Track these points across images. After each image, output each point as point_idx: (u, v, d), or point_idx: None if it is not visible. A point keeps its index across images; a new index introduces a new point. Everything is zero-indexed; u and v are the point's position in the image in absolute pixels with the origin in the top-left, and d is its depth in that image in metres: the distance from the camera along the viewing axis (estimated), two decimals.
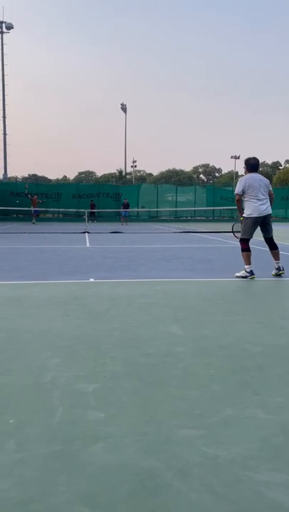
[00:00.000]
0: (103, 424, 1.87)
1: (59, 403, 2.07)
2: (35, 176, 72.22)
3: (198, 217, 34.97)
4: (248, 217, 6.11)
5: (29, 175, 73.62)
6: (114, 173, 70.11)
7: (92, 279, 5.76)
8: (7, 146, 35.74)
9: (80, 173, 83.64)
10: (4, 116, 36.06)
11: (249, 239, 6.16)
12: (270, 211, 6.20)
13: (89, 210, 23.23)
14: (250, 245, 6.13)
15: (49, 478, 1.50)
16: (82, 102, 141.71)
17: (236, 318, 3.78)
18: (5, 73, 35.82)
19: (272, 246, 6.24)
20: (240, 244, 6.18)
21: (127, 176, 59.19)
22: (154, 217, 34.14)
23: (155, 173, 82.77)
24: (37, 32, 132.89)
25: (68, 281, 5.64)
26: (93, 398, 2.13)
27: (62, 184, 41.13)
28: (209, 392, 2.22)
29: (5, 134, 36.04)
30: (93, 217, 28.76)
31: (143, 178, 77.50)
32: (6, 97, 36.10)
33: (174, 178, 71.20)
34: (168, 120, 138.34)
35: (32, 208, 24.86)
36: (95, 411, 1.99)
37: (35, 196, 26.43)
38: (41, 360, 2.66)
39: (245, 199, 6.14)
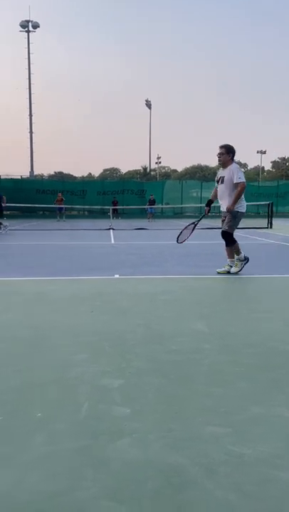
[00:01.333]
0: (128, 419, 1.88)
1: (85, 398, 2.09)
2: (61, 173, 72.97)
3: None
4: (242, 213, 5.97)
5: (55, 172, 74.49)
6: (139, 170, 70.12)
7: (116, 276, 5.79)
8: (33, 144, 36.27)
9: (105, 170, 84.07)
10: (30, 115, 36.63)
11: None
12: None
13: (113, 207, 23.30)
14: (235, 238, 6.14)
15: (76, 473, 1.52)
16: (108, 99, 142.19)
17: (263, 316, 3.72)
18: (31, 72, 36.33)
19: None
20: (227, 238, 6.06)
21: (152, 173, 59.15)
22: (178, 214, 34.01)
23: (180, 169, 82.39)
24: (58, 31, 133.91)
25: (93, 278, 5.68)
26: (118, 394, 2.14)
27: (88, 181, 41.53)
28: (235, 390, 2.20)
29: (31, 132, 36.62)
30: (116, 214, 28.82)
31: (167, 175, 77.26)
32: (32, 95, 36.61)
33: (199, 174, 70.63)
34: (193, 115, 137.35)
35: (56, 205, 25.02)
36: (120, 406, 2.01)
37: (60, 194, 26.61)
38: (67, 356, 2.69)
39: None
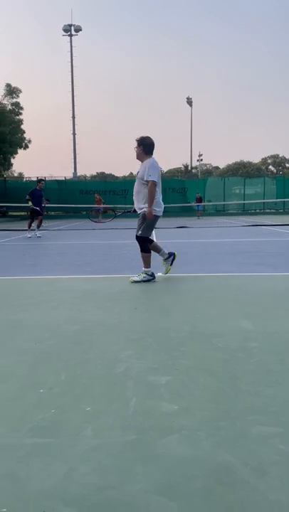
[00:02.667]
0: (176, 416, 1.88)
1: (132, 394, 2.10)
2: (102, 173, 74.03)
3: (267, 210, 33.85)
4: (157, 215, 5.33)
5: (97, 173, 75.67)
6: (180, 168, 69.85)
7: (160, 274, 5.79)
8: (76, 145, 37.00)
9: None
10: (73, 117, 37.41)
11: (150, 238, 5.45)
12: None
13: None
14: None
15: (125, 467, 1.53)
16: (148, 98, 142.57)
17: None
18: (74, 75, 37.09)
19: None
20: (143, 243, 5.49)
21: (193, 170, 58.71)
22: (221, 211, 33.59)
23: (222, 166, 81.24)
24: (98, 31, 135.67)
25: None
26: (166, 390, 2.14)
27: (129, 181, 41.79)
28: (285, 390, 2.13)
29: (74, 134, 37.39)
30: None
31: (209, 172, 76.41)
32: (74, 97, 37.36)
33: (242, 171, 69.32)
34: (235, 112, 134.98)
35: (95, 206, 25.36)
36: (167, 403, 2.00)
37: (96, 194, 26.83)
38: (114, 352, 2.72)
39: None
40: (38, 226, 14.34)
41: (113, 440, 1.69)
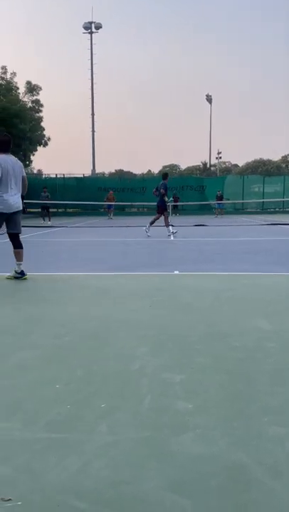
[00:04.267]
0: (191, 414, 1.87)
1: (147, 391, 2.11)
2: (121, 171, 74.15)
3: (287, 209, 33.39)
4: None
5: (116, 170, 75.84)
6: (199, 166, 69.44)
7: (176, 272, 5.78)
8: (95, 142, 37.16)
9: (164, 167, 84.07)
10: (93, 114, 37.56)
11: None
12: (21, 206, 5.36)
13: (172, 204, 23.22)
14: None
15: (139, 463, 1.53)
16: (166, 95, 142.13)
17: None
18: (94, 72, 37.22)
19: (17, 244, 5.42)
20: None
21: (212, 168, 58.31)
22: (239, 210, 33.29)
23: (241, 163, 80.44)
24: (116, 27, 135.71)
25: (153, 273, 5.72)
26: (180, 388, 2.14)
27: (147, 178, 41.76)
28: None
29: (93, 131, 37.55)
30: (176, 209, 28.67)
31: (228, 170, 75.74)
32: (94, 94, 37.49)
33: (261, 169, 68.49)
34: (254, 109, 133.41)
35: (106, 203, 25.27)
36: (182, 401, 2.00)
37: (111, 192, 26.64)
38: (129, 349, 2.73)
39: None
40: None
41: (127, 436, 1.70)
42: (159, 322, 3.36)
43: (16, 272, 5.37)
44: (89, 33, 36.99)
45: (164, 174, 12.86)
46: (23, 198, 5.53)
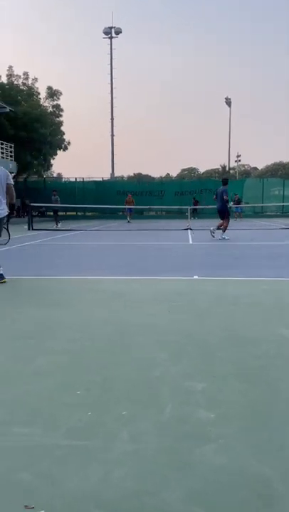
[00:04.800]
0: (213, 424, 1.85)
1: (168, 399, 2.09)
2: (139, 174, 74.33)
3: None
4: None
5: (134, 174, 76.05)
6: (217, 169, 69.09)
7: (196, 276, 5.74)
8: (114, 146, 37.36)
9: (183, 170, 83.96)
10: (112, 118, 37.76)
11: None
12: (6, 213, 5.47)
13: (191, 207, 23.07)
14: None
15: (161, 473, 1.52)
16: (184, 98, 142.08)
17: None
18: (113, 76, 37.47)
19: None
20: None
21: (231, 171, 57.93)
22: (259, 213, 32.91)
23: (260, 166, 79.73)
24: (136, 31, 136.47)
25: (172, 278, 5.69)
26: (202, 397, 2.11)
27: (165, 182, 41.78)
28: None
29: (112, 135, 37.74)
30: (195, 213, 28.44)
31: (247, 173, 75.14)
32: (113, 98, 37.72)
33: (281, 172, 67.72)
34: (274, 111, 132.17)
35: (126, 206, 25.00)
36: (204, 410, 1.98)
37: (130, 195, 26.29)
38: (148, 355, 2.71)
39: None
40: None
41: (149, 445, 1.69)
42: (178, 327, 3.34)
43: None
44: (109, 37, 37.27)
45: (224, 180, 12.82)
46: (13, 205, 5.64)
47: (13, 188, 5.56)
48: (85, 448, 1.68)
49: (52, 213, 23.28)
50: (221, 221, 12.45)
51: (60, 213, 22.35)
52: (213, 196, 13.15)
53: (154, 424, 1.85)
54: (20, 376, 2.40)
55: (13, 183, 5.56)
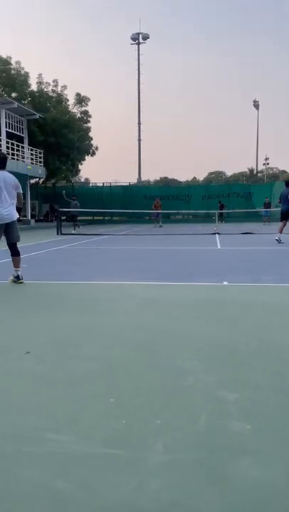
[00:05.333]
0: (248, 436, 1.82)
1: (201, 409, 2.07)
2: (165, 178, 74.38)
3: None
4: None
5: (160, 178, 76.17)
6: (245, 172, 68.37)
7: (225, 282, 5.69)
8: (141, 151, 37.53)
9: (210, 174, 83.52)
10: (139, 123, 37.98)
11: None
12: (14, 217, 5.74)
13: (218, 211, 22.82)
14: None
15: (197, 485, 1.51)
16: (211, 101, 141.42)
17: None
18: (140, 81, 37.71)
19: (14, 252, 5.83)
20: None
21: (258, 175, 57.16)
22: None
23: None
24: (162, 37, 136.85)
25: (201, 284, 5.66)
26: (235, 408, 2.09)
27: (192, 186, 41.59)
28: None
29: (139, 140, 37.94)
30: (221, 217, 27.87)
31: (276, 176, 73.96)
32: (140, 103, 37.95)
33: None
34: None
35: (154, 211, 24.76)
36: (238, 421, 1.95)
37: (158, 199, 26.15)
38: (179, 362, 2.70)
39: None
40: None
41: (184, 457, 1.68)
42: (209, 335, 3.31)
43: (14, 276, 5.80)
44: (136, 43, 37.57)
45: (288, 181, 12.80)
46: (20, 210, 6.02)
47: (22, 197, 6.03)
48: (121, 457, 1.68)
49: (68, 218, 23.40)
50: (281, 223, 12.24)
51: (78, 218, 22.45)
52: (278, 200, 13.00)
53: (188, 434, 1.84)
54: (53, 382, 2.44)
55: (22, 192, 5.96)
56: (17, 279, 5.75)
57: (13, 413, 2.06)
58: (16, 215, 5.80)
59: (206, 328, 3.51)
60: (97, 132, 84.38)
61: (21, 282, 5.73)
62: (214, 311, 4.11)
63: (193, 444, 1.77)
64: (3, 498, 1.46)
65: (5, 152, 25.08)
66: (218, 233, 16.54)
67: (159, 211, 25.19)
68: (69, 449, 1.75)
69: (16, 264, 5.80)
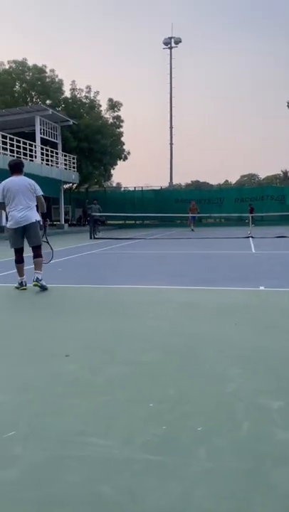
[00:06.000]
0: None
1: (244, 417, 2.03)
2: (197, 182, 73.99)
3: None
4: (9, 228, 5.70)
5: (192, 181, 75.85)
6: (278, 175, 67.08)
7: (261, 287, 5.57)
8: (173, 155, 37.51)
9: (242, 176, 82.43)
10: (171, 127, 38.02)
11: (18, 249, 5.75)
12: (31, 219, 5.60)
13: (252, 215, 22.35)
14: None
15: (243, 495, 1.47)
16: (243, 104, 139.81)
17: None
18: (172, 85, 37.78)
19: (34, 254, 5.69)
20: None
21: None
22: None
23: None
24: (195, 41, 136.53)
25: (236, 289, 5.57)
26: (279, 416, 2.03)
27: (224, 189, 41.19)
28: None
29: (171, 143, 37.96)
30: (252, 220, 26.65)
31: None
32: (172, 107, 37.99)
33: None
34: None
35: (189, 215, 23.91)
36: (282, 430, 1.89)
37: (193, 202, 25.29)
38: (220, 369, 2.66)
39: (7, 206, 5.65)
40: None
41: (228, 465, 1.64)
42: (248, 341, 3.24)
43: (33, 280, 5.60)
44: (168, 48, 37.68)
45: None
46: (45, 215, 6.02)
47: (43, 199, 5.91)
48: (163, 463, 1.66)
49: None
50: None
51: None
52: None
53: (231, 442, 1.80)
54: (92, 386, 2.45)
55: (41, 193, 5.85)
56: (37, 281, 5.52)
57: (55, 417, 2.08)
58: (35, 218, 5.66)
59: (244, 334, 3.44)
60: (129, 136, 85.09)
61: (37, 285, 5.47)
62: (252, 317, 4.03)
63: (238, 453, 1.72)
64: (47, 501, 1.47)
65: (40, 158, 25.85)
66: (251, 237, 16.28)
67: (195, 215, 24.25)
68: (110, 453, 1.74)
69: (37, 266, 5.62)
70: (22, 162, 6.10)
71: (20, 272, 5.73)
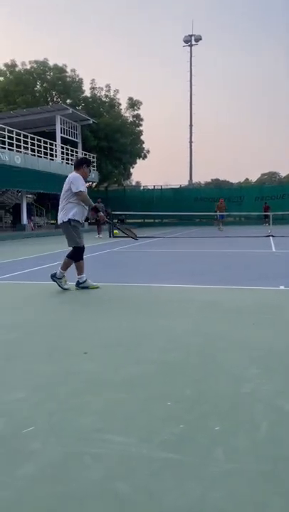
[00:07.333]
0: None
1: (262, 418, 2.00)
2: (217, 180, 73.39)
3: None
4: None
5: (212, 180, 75.28)
6: None
7: (282, 287, 5.49)
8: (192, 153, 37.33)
9: (263, 175, 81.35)
10: (191, 125, 37.88)
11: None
12: (60, 221, 5.55)
13: (273, 213, 21.97)
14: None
15: (262, 498, 1.45)
16: (264, 102, 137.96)
17: None
18: (192, 83, 37.58)
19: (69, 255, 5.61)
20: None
21: None
22: None
23: None
24: (215, 38, 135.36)
25: (257, 288, 5.50)
26: None
27: (245, 187, 40.74)
28: None
29: (191, 142, 37.80)
30: (267, 219, 24.85)
31: None
32: (192, 105, 37.79)
33: None
34: None
35: (217, 213, 22.41)
36: None
37: (222, 200, 23.52)
38: (238, 369, 2.63)
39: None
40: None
41: (247, 467, 1.62)
42: (267, 342, 3.20)
43: (77, 282, 5.63)
44: (188, 45, 37.50)
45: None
46: (93, 209, 5.88)
47: (83, 195, 5.44)
48: (180, 462, 1.66)
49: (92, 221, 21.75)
50: None
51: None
52: None
53: (249, 443, 1.78)
54: (111, 384, 2.46)
55: (78, 189, 5.38)
56: (76, 285, 5.54)
57: (74, 414, 2.09)
58: (62, 219, 5.47)
59: (264, 335, 3.39)
60: (148, 134, 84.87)
61: (77, 288, 5.50)
62: (272, 317, 3.97)
63: (257, 454, 1.70)
64: (65, 497, 1.48)
65: (60, 157, 26.08)
66: (272, 235, 16.07)
67: (223, 213, 22.53)
68: (128, 451, 1.75)
69: (77, 269, 5.56)
70: (81, 159, 5.84)
71: (63, 267, 5.56)
